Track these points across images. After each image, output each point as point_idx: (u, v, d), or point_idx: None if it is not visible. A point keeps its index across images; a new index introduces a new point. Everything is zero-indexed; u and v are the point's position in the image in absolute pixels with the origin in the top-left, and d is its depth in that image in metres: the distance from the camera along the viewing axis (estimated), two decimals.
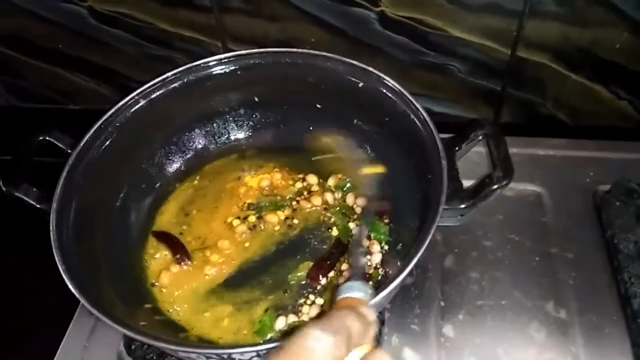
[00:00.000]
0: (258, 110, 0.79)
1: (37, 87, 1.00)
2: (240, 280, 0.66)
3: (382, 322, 0.66)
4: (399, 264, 0.64)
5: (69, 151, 0.65)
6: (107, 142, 0.67)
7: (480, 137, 0.62)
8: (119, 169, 0.70)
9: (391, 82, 0.67)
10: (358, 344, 0.35)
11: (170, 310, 0.64)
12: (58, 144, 0.67)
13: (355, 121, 0.74)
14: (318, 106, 0.76)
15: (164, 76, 0.70)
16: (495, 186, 0.57)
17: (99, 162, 0.66)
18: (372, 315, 0.38)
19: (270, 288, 0.65)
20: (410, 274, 0.67)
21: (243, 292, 0.65)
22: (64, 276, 0.53)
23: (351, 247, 0.64)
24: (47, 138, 0.67)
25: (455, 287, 0.69)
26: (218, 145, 0.80)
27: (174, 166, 0.77)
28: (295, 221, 0.71)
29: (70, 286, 0.52)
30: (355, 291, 0.41)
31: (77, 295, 0.52)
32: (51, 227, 0.57)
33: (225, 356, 0.48)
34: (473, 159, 0.72)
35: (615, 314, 0.66)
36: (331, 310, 0.37)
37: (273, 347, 0.46)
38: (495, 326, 0.66)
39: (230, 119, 0.79)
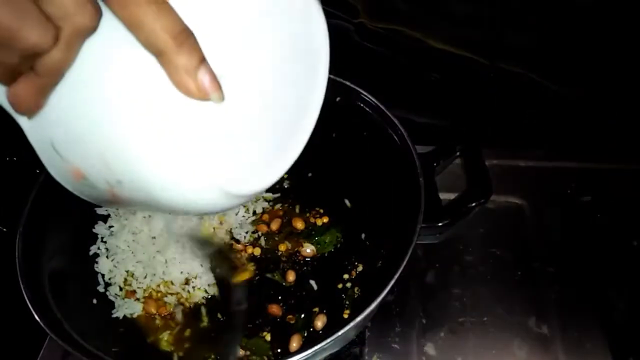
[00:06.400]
0: None
1: None
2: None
3: (362, 341, 0.64)
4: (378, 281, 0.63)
5: (37, 172, 0.63)
6: None
7: (457, 153, 0.61)
8: None
9: (368, 96, 0.66)
10: None
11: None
12: (27, 163, 0.65)
13: (333, 135, 0.73)
14: None
15: None
16: (473, 204, 0.56)
17: None
18: None
19: None
20: (390, 291, 0.65)
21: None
22: (30, 306, 0.51)
23: None
24: (15, 158, 0.65)
25: (436, 304, 0.68)
26: None
27: None
28: None
29: (36, 316, 0.50)
30: None
31: (44, 327, 0.50)
32: (17, 253, 0.55)
33: None
34: (455, 172, 0.71)
35: (597, 329, 0.65)
36: None
37: None
38: (478, 344, 0.65)
39: None
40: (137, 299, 0.65)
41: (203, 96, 0.32)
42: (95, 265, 0.66)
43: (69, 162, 0.36)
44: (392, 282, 0.51)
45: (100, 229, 0.67)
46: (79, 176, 0.36)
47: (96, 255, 0.65)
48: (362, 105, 0.67)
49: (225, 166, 0.36)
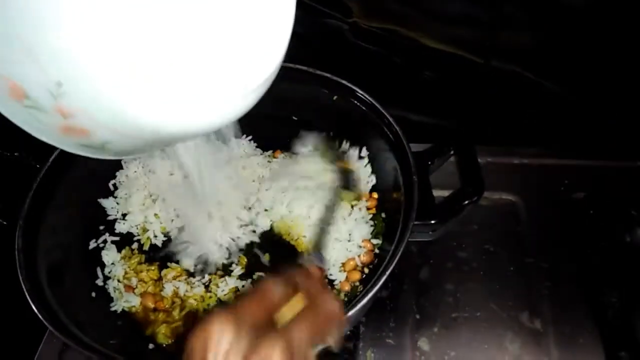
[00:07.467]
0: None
1: None
2: None
3: (357, 336, 0.65)
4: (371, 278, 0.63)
5: (38, 166, 0.64)
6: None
7: (452, 152, 0.62)
8: (92, 185, 0.69)
9: (364, 94, 0.67)
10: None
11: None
12: (28, 158, 0.66)
13: (331, 133, 0.74)
14: (294, 118, 0.76)
15: None
16: (466, 202, 0.57)
17: (72, 175, 0.65)
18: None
19: None
20: (385, 287, 0.67)
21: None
22: (28, 299, 0.52)
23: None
24: (16, 154, 0.66)
25: (430, 300, 0.69)
26: None
27: None
28: None
29: (34, 309, 0.51)
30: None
31: (43, 320, 0.51)
32: (17, 246, 0.56)
33: None
34: (448, 169, 0.72)
35: (589, 324, 0.66)
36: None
37: None
38: (471, 338, 0.66)
39: None
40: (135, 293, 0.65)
41: None
42: (105, 252, 0.67)
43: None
44: (384, 277, 0.52)
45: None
46: (19, 94, 0.31)
47: (96, 249, 0.66)
48: (357, 103, 0.67)
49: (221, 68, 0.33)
